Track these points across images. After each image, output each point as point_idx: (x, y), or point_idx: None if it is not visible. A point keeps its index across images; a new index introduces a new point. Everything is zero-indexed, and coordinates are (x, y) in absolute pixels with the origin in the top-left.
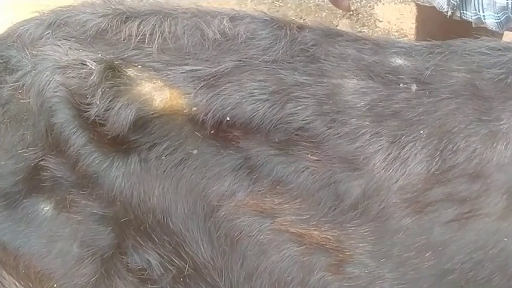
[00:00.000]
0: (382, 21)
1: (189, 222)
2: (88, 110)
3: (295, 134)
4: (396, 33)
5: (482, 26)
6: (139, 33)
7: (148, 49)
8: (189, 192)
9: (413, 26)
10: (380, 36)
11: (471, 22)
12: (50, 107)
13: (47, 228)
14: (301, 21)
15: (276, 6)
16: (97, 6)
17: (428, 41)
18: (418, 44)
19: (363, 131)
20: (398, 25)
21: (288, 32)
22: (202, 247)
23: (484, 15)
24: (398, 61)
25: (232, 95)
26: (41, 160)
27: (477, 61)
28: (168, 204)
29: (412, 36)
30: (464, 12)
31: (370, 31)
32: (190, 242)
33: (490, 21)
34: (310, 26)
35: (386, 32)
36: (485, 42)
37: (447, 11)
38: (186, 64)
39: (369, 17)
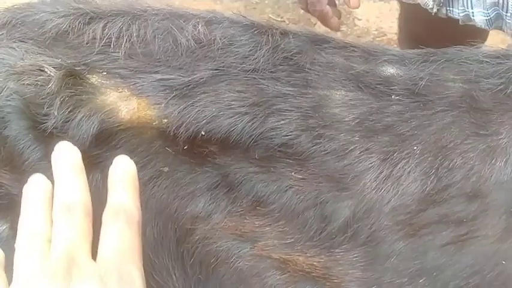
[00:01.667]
0: (361, 20)
1: (158, 248)
2: (45, 121)
3: (278, 151)
4: (375, 32)
5: (470, 23)
6: (104, 37)
7: (114, 54)
8: (159, 214)
9: (393, 24)
10: (370, 43)
11: (458, 20)
12: (2, 118)
13: (3, 250)
14: (279, 19)
15: (253, 3)
16: (58, 5)
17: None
18: (410, 51)
19: (352, 147)
20: (378, 24)
21: (270, 38)
22: (173, 275)
23: (473, 12)
24: (390, 70)
25: (207, 106)
26: None
27: (475, 70)
28: None
29: (392, 35)
30: (451, 9)
31: (349, 30)
32: (159, 270)
33: (479, 19)
34: (294, 31)
35: (366, 30)
36: (482, 49)
37: (432, 8)
38: (157, 72)
39: (348, 16)
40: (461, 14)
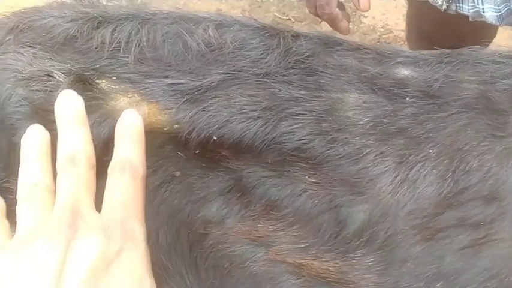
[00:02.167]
0: (366, 17)
1: (172, 253)
2: (54, 128)
3: (291, 155)
4: (381, 29)
5: (480, 19)
6: (113, 41)
7: (123, 59)
8: (171, 218)
9: (399, 21)
10: (383, 45)
11: (468, 16)
12: (11, 125)
13: None
14: (284, 17)
15: (258, 2)
16: (66, 9)
17: (421, 37)
18: (425, 52)
19: (367, 150)
20: (384, 21)
21: (282, 41)
22: (187, 281)
23: (483, 8)
24: (404, 72)
25: (219, 111)
26: (5, 182)
27: (490, 71)
28: (148, 233)
29: (398, 32)
30: (461, 5)
31: (355, 27)
32: (173, 275)
33: (490, 15)
34: (306, 34)
35: (372, 27)
36: (498, 49)
37: (442, 5)
38: (167, 76)
39: (354, 13)
40: (471, 11)
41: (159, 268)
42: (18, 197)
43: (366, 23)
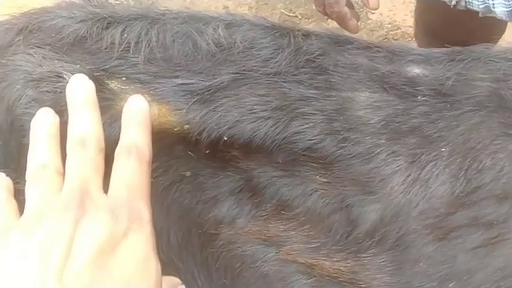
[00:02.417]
0: (374, 13)
1: (183, 253)
2: (65, 128)
3: (302, 155)
4: (389, 26)
5: (490, 15)
6: (123, 42)
7: (133, 59)
8: (182, 218)
9: (407, 17)
10: (394, 43)
11: (477, 12)
12: (21, 126)
13: None
14: (291, 14)
15: None
16: (75, 10)
17: (429, 34)
18: (436, 50)
19: (378, 150)
20: (391, 17)
21: (292, 40)
22: (199, 280)
23: (493, 4)
24: (416, 70)
25: (229, 111)
26: (16, 183)
27: (503, 68)
28: (159, 232)
29: (406, 28)
30: (470, 1)
31: (362, 23)
32: (184, 275)
33: (500, 10)
34: (316, 32)
35: (379, 24)
36: (511, 46)
37: (451, 1)
38: (177, 77)
39: (361, 9)
40: (481, 6)
41: (170, 268)
42: (27, 177)
43: (373, 19)
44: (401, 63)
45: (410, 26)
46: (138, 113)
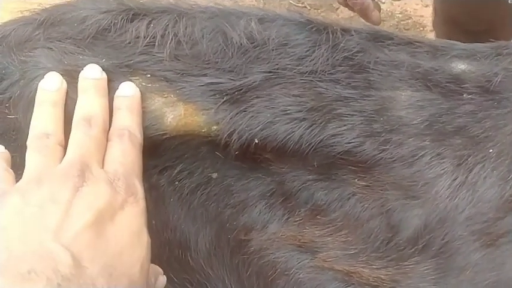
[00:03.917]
0: (384, 3)
1: (212, 259)
2: None
3: (340, 158)
4: (400, 15)
5: None
6: (148, 35)
7: (159, 55)
8: (209, 223)
9: (418, 7)
10: (436, 39)
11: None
12: None
13: None
14: (300, 4)
15: None
16: (98, 1)
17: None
18: (481, 45)
19: (422, 152)
20: (402, 6)
21: (330, 36)
22: None
23: None
24: (461, 66)
25: (261, 112)
26: None
27: None
28: (186, 237)
29: (417, 17)
30: None
31: None
32: (215, 282)
33: None
34: (355, 28)
35: (390, 14)
36: None
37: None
38: (205, 75)
39: None
40: None
41: (199, 275)
42: (28, 144)
43: (384, 9)
44: (445, 59)
45: (421, 16)
46: (129, 99)
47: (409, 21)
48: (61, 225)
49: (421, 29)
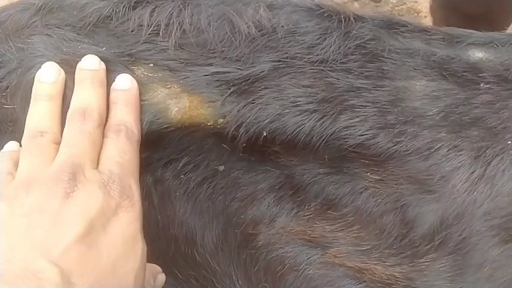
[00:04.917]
0: None
1: (219, 253)
2: None
3: (352, 151)
4: (394, 1)
5: None
6: (152, 23)
7: (163, 44)
8: (216, 217)
9: None
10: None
11: None
12: None
13: None
14: None
15: None
16: None
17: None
18: (498, 33)
19: (438, 144)
20: None
21: (342, 22)
22: (237, 283)
23: None
24: (478, 55)
25: (270, 104)
26: None
27: None
28: (193, 232)
29: (412, 3)
30: None
31: None
32: (221, 278)
33: None
34: (368, 15)
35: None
36: None
37: None
38: (211, 64)
39: None
40: None
41: (205, 271)
42: (22, 143)
43: None
44: (461, 47)
45: (415, 1)
46: (126, 93)
47: (404, 6)
48: (49, 238)
49: (416, 14)
